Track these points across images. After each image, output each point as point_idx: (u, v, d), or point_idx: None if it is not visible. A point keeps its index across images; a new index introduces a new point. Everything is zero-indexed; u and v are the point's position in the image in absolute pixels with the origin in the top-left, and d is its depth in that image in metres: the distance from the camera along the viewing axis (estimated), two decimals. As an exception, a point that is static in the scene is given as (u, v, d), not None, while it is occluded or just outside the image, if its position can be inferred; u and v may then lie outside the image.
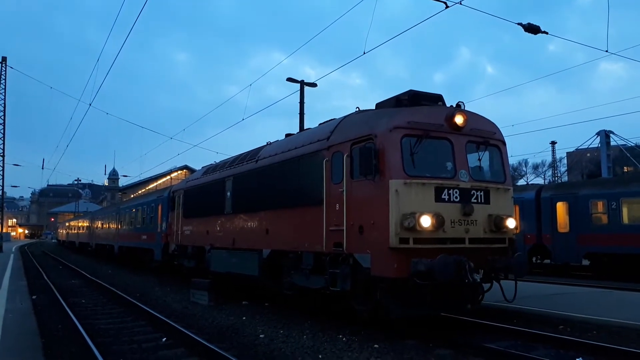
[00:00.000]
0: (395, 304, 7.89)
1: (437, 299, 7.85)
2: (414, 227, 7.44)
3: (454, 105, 8.69)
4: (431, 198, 7.78)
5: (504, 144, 9.18)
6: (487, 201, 8.30)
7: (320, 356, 7.40)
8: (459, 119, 8.28)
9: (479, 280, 7.92)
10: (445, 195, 7.90)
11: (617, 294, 12.61)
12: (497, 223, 8.21)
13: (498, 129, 9.13)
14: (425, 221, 7.48)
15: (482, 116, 9.00)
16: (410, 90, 8.86)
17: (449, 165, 8.30)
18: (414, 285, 7.48)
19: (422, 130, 8.03)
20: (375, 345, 7.83)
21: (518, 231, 9.07)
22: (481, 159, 8.62)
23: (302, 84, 21.92)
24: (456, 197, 7.97)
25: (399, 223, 7.49)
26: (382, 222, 7.66)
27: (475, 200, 8.15)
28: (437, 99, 8.99)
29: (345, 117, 9.69)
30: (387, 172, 7.77)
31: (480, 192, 8.26)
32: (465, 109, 8.66)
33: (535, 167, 74.79)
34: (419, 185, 7.75)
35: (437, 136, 8.19)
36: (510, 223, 8.37)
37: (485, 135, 8.74)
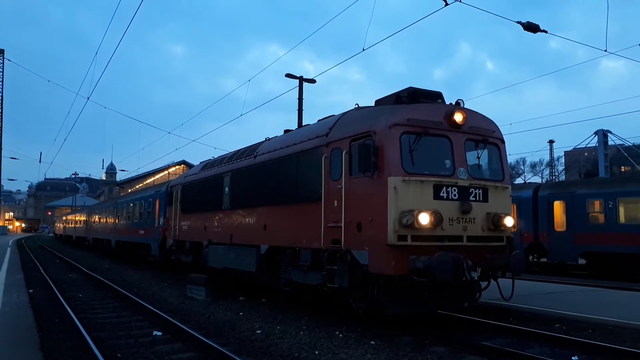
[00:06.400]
0: (392, 301, 7.90)
1: (434, 297, 7.87)
2: (412, 225, 7.44)
3: (454, 103, 8.69)
4: (430, 195, 7.78)
5: (503, 142, 9.17)
6: (485, 199, 8.30)
7: (316, 352, 7.41)
8: (458, 117, 8.27)
9: (476, 278, 7.92)
10: (443, 192, 7.89)
11: (612, 293, 12.64)
12: (495, 221, 8.21)
13: (497, 127, 9.12)
14: (424, 219, 7.48)
15: (481, 114, 8.99)
16: (410, 88, 8.82)
17: (448, 162, 8.29)
18: (412, 283, 7.49)
19: (421, 128, 8.02)
20: (372, 342, 7.85)
21: (515, 229, 9.06)
22: (480, 157, 8.62)
23: (301, 80, 21.86)
24: (455, 195, 7.97)
25: (397, 220, 7.49)
26: (380, 219, 7.66)
27: (474, 198, 8.16)
28: (436, 96, 8.97)
29: (344, 113, 9.67)
30: (385, 169, 7.77)
31: (479, 190, 8.26)
32: (465, 106, 8.65)
33: (533, 166, 74.95)
34: (417, 183, 7.74)
35: (436, 134, 8.18)
36: (509, 221, 8.37)
37: (484, 134, 8.74)
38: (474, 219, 8.07)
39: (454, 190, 7.98)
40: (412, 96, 8.69)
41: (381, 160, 7.83)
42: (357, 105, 9.71)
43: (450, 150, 8.22)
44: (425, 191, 7.77)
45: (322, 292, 9.56)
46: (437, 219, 7.58)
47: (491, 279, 8.47)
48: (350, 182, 8.43)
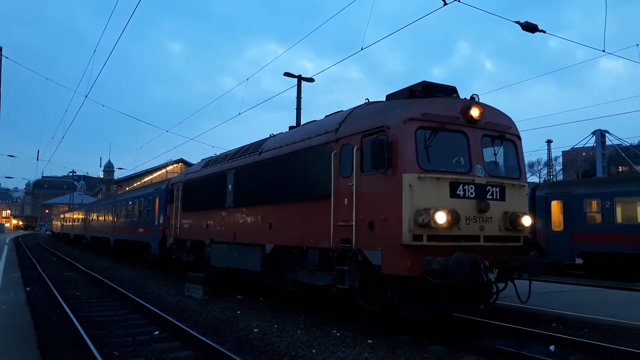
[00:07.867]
0: (406, 303, 7.60)
1: (449, 299, 7.59)
2: (429, 224, 7.12)
3: (468, 98, 8.39)
4: (446, 193, 7.46)
5: (519, 138, 8.86)
6: (502, 198, 7.99)
7: (313, 351, 7.28)
8: (475, 112, 7.95)
9: (493, 279, 7.61)
10: (460, 190, 7.57)
11: (609, 293, 12.55)
12: (512, 221, 7.90)
13: (513, 123, 8.81)
14: (441, 217, 7.16)
15: (497, 109, 8.68)
16: (424, 82, 8.50)
17: (464, 159, 7.98)
18: (427, 284, 7.19)
19: (437, 123, 7.70)
20: (369, 341, 7.71)
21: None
22: (497, 154, 8.32)
23: (300, 79, 21.57)
24: (471, 193, 7.66)
25: (413, 219, 7.17)
26: (394, 218, 7.35)
27: (491, 197, 7.84)
28: (451, 90, 8.64)
29: (354, 108, 9.37)
30: (400, 165, 7.46)
31: (496, 188, 7.95)
32: (480, 101, 8.36)
33: (531, 166, 74.83)
34: (433, 180, 7.43)
35: (452, 129, 7.86)
36: (526, 221, 8.04)
37: (501, 130, 8.42)
38: (491, 218, 7.76)
39: (471, 188, 7.67)
40: (426, 90, 8.36)
41: (395, 157, 7.52)
42: (367, 100, 9.42)
43: (467, 146, 7.90)
44: (442, 189, 7.46)
45: (329, 292, 9.26)
46: (454, 218, 7.26)
47: (508, 281, 8.18)
48: (361, 179, 8.12)
